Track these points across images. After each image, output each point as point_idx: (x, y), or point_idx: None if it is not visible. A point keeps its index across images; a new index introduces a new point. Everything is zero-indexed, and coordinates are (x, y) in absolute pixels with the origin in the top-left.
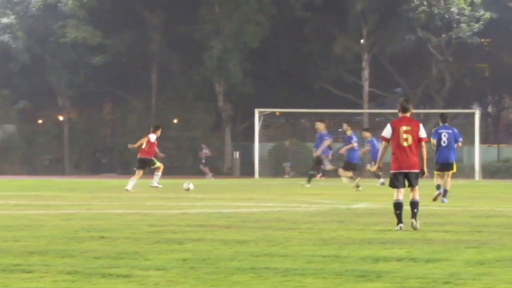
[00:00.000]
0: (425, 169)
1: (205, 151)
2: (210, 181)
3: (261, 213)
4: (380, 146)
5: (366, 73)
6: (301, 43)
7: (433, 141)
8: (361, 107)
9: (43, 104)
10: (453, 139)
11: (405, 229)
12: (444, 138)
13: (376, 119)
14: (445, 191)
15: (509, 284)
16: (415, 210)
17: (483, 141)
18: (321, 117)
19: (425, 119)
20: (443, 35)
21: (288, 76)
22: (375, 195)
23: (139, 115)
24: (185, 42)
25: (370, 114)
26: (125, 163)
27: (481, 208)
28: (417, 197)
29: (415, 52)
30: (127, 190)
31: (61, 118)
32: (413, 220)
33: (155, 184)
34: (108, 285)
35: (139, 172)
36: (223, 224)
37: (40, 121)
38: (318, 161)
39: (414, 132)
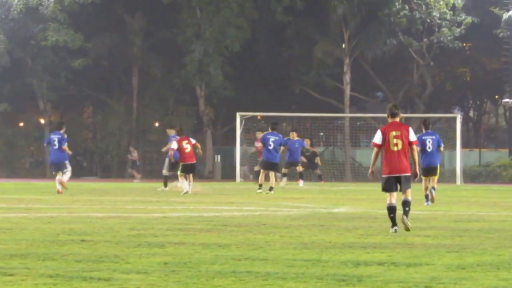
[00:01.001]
0: (418, 171)
1: (134, 155)
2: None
3: (242, 217)
4: (372, 152)
5: (347, 77)
6: (282, 47)
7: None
8: (342, 111)
9: (24, 107)
10: (436, 144)
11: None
12: (429, 144)
13: (358, 123)
14: (427, 196)
15: None
16: (407, 209)
17: (464, 145)
18: (302, 121)
19: (406, 123)
20: (425, 40)
21: (269, 80)
22: (356, 200)
23: (120, 118)
24: (166, 46)
25: (351, 118)
26: (106, 166)
27: (462, 212)
28: (409, 197)
29: (396, 56)
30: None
31: (42, 121)
32: (404, 217)
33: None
34: None
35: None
36: (204, 228)
37: (21, 124)
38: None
39: (404, 137)
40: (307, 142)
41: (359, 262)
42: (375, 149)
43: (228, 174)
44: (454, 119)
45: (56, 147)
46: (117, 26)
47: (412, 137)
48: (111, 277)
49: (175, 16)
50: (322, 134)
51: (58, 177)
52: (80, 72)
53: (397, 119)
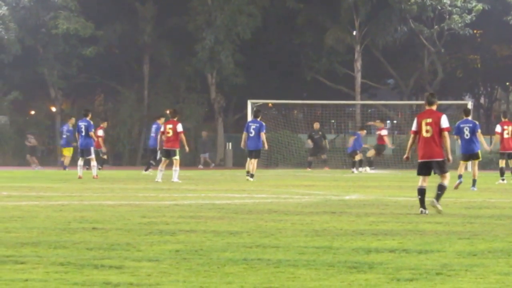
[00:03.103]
0: (450, 157)
1: (32, 141)
2: (200, 172)
3: (253, 204)
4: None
5: (358, 65)
6: (293, 34)
7: (456, 137)
8: (353, 98)
9: (35, 95)
10: (472, 131)
11: (428, 213)
12: (466, 132)
13: (369, 110)
14: (474, 181)
15: (501, 275)
16: (439, 192)
17: None
18: (313, 108)
19: (418, 110)
20: (435, 27)
21: (280, 67)
22: (366, 187)
23: (131, 106)
24: (177, 34)
25: (362, 105)
26: (118, 154)
27: (473, 199)
28: (445, 182)
29: (407, 43)
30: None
31: (53, 109)
32: (434, 200)
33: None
34: (101, 276)
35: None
36: (215, 216)
37: (32, 112)
38: None
39: (435, 124)
40: (316, 126)
41: (370, 249)
42: (412, 135)
43: (239, 162)
44: (465, 106)
45: (83, 133)
46: (128, 14)
47: (444, 124)
48: (122, 265)
49: (186, 3)
50: (333, 121)
51: (80, 162)
52: (91, 60)
53: (434, 107)
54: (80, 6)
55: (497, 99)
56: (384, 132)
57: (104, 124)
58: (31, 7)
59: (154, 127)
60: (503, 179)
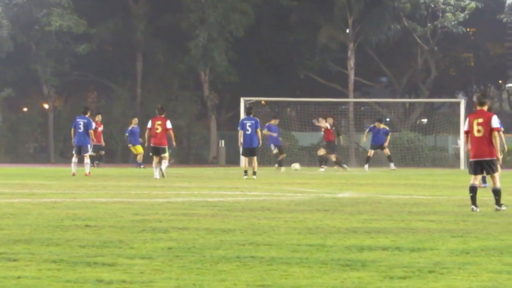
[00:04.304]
0: (499, 156)
1: None
2: (192, 169)
3: (246, 202)
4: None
5: (351, 63)
6: (286, 32)
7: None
8: (346, 96)
9: (28, 92)
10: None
11: (478, 212)
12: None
13: (362, 108)
14: (483, 177)
15: (494, 273)
16: (496, 197)
17: None
18: (306, 106)
19: (410, 109)
20: (429, 25)
21: (273, 65)
22: (359, 185)
23: (124, 104)
24: (170, 31)
25: (355, 103)
26: (110, 152)
27: (466, 197)
28: (497, 185)
29: (400, 41)
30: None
31: (46, 106)
32: (496, 207)
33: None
34: (93, 273)
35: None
36: (208, 213)
37: (25, 110)
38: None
39: (487, 124)
40: (329, 121)
41: (363, 247)
42: (465, 136)
43: (232, 159)
44: (458, 104)
45: (81, 130)
46: (121, 11)
47: (495, 124)
48: (115, 262)
49: (179, 1)
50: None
51: (74, 159)
52: (84, 57)
53: (485, 108)
54: (73, 3)
55: (490, 97)
56: (326, 126)
57: (99, 117)
58: (24, 4)
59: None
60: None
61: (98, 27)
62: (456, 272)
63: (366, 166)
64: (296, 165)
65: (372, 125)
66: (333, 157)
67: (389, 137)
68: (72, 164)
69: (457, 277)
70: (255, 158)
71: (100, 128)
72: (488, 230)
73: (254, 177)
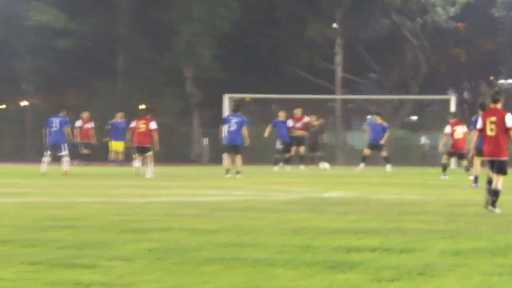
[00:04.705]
0: None
1: None
2: (175, 168)
3: (229, 202)
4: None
5: (339, 58)
6: (272, 27)
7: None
8: (333, 92)
9: (5, 89)
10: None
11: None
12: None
13: (349, 105)
14: (476, 178)
15: (485, 276)
16: (494, 198)
17: None
18: (292, 103)
19: (400, 106)
20: (418, 19)
21: (259, 61)
22: (347, 184)
23: (104, 100)
24: (153, 26)
25: (343, 100)
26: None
27: (457, 197)
28: (498, 186)
29: (389, 37)
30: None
31: (24, 103)
32: (491, 207)
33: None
34: (72, 275)
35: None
36: (190, 213)
37: (2, 107)
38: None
39: (500, 122)
40: (312, 118)
41: (351, 248)
42: (476, 133)
43: (216, 158)
44: (448, 100)
45: (56, 128)
46: (103, 6)
47: (509, 123)
48: (94, 264)
49: None
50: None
51: (47, 159)
52: (64, 53)
53: (498, 105)
54: None
55: (482, 94)
56: (298, 124)
57: (87, 115)
58: None
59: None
60: (445, 175)
61: (79, 22)
62: (446, 274)
63: (362, 165)
64: (325, 165)
65: (370, 120)
66: (301, 150)
67: (387, 134)
68: (43, 163)
69: (448, 279)
70: (238, 156)
71: (89, 125)
72: (480, 231)
73: (238, 176)
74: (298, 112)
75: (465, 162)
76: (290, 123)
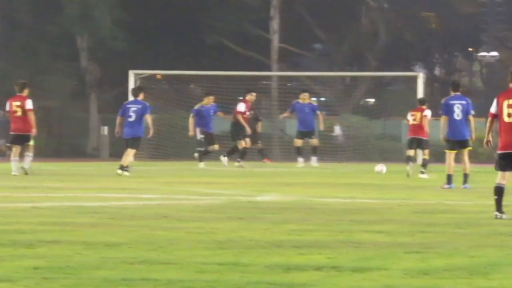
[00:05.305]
0: None
1: None
2: (66, 165)
3: (136, 208)
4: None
5: (275, 24)
6: None
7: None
8: (269, 68)
9: None
10: (465, 111)
11: (508, 218)
12: (457, 111)
13: (288, 84)
14: (466, 176)
15: None
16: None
17: None
18: (215, 81)
19: (353, 85)
20: None
21: (173, 28)
22: (285, 184)
23: None
24: None
25: (280, 77)
26: None
27: (425, 201)
28: None
29: None
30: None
31: None
32: (497, 213)
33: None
34: None
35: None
36: (86, 222)
37: None
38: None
39: None
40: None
41: (290, 266)
42: (489, 118)
43: (118, 151)
44: (415, 78)
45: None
46: None
47: None
48: None
49: None
50: (241, 98)
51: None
52: None
53: None
54: None
55: (457, 69)
56: (241, 108)
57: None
58: None
59: None
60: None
61: None
62: None
63: (301, 160)
64: (381, 167)
65: (295, 101)
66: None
67: (321, 116)
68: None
69: None
70: (131, 151)
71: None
72: (454, 244)
73: (125, 173)
74: (251, 97)
75: (426, 154)
76: (242, 107)
